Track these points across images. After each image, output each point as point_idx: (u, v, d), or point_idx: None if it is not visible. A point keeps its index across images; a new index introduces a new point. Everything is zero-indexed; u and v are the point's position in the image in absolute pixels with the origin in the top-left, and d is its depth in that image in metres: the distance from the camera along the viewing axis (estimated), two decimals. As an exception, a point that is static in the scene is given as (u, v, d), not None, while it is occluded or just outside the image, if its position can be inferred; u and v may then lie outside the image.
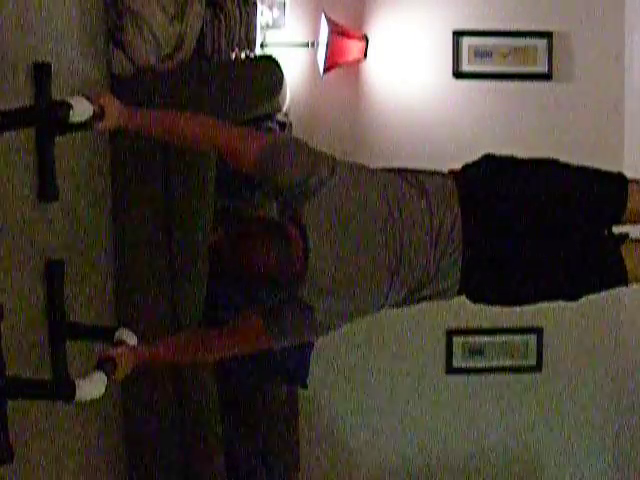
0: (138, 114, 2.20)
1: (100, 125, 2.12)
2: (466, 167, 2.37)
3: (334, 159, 2.23)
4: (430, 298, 2.33)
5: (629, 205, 2.31)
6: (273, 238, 2.15)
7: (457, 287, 2.28)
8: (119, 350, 2.24)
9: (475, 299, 2.37)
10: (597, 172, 2.36)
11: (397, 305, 2.31)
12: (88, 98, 2.07)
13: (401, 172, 2.31)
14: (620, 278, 2.32)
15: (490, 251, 2.25)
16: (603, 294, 2.44)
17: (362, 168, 2.28)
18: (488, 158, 2.37)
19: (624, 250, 2.31)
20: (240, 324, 2.27)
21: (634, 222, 2.34)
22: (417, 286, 2.25)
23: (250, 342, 2.25)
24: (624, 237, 2.35)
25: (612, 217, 2.34)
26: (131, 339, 2.36)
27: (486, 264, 2.26)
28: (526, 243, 2.26)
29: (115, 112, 2.12)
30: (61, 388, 2.06)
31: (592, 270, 2.32)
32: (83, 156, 2.86)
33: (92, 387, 2.03)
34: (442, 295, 2.31)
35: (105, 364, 2.15)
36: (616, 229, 2.38)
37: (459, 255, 2.22)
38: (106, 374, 2.10)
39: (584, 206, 2.29)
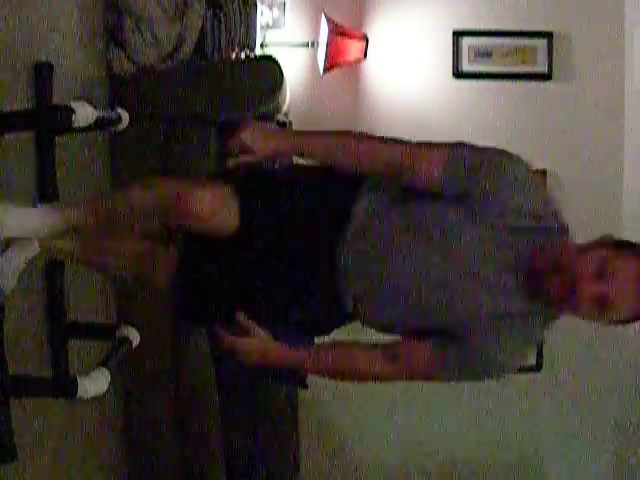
0: (294, 137, 2.14)
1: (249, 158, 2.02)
2: None
3: None
4: None
5: None
6: None
7: None
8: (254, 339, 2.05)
9: None
10: None
11: None
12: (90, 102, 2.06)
13: None
14: None
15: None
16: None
17: None
18: None
19: None
20: (411, 351, 2.06)
21: None
22: None
23: (421, 373, 2.09)
24: None
25: None
26: (134, 337, 2.36)
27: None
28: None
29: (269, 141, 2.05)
30: (63, 385, 2.06)
31: None
32: (83, 156, 2.86)
33: (94, 384, 2.03)
34: None
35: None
36: None
37: None
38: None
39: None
